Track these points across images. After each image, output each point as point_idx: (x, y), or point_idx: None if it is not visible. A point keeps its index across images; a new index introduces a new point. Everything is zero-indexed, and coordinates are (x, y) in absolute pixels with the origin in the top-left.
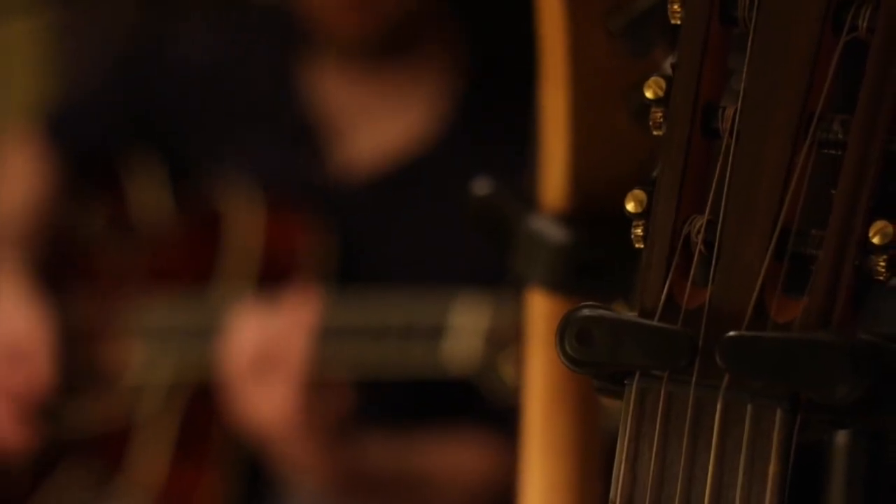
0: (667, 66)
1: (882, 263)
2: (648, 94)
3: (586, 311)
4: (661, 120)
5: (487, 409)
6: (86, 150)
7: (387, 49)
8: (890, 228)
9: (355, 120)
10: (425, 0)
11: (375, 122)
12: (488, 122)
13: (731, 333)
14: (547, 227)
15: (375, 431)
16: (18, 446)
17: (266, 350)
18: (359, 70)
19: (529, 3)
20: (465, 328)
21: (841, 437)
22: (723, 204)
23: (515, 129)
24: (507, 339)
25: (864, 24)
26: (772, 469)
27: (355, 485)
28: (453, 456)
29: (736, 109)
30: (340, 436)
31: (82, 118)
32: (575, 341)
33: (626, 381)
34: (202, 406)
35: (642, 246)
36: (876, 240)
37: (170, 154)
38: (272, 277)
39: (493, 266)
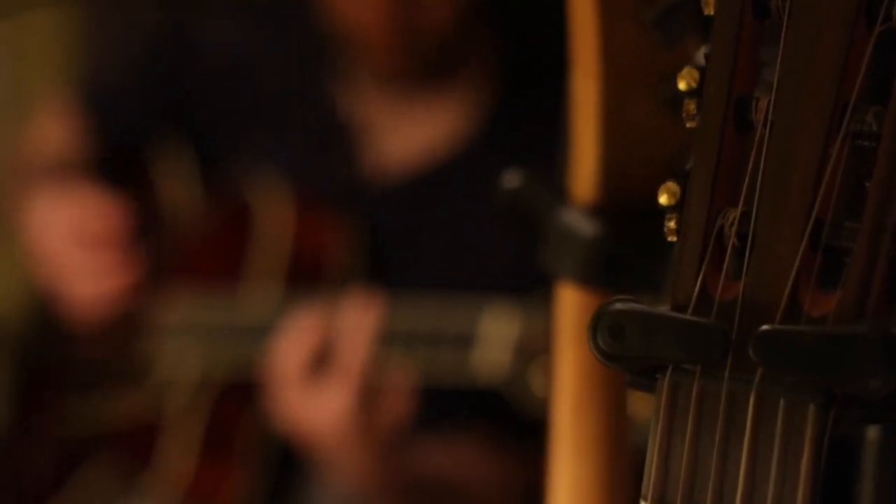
0: (700, 57)
1: None
2: (682, 86)
3: (618, 305)
4: (695, 111)
5: (515, 420)
6: (118, 131)
7: (424, 69)
8: None
9: (386, 122)
10: (463, 21)
11: (406, 125)
12: (519, 128)
13: (765, 327)
14: (578, 220)
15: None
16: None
17: (322, 353)
18: (392, 78)
19: (561, 11)
20: (494, 337)
21: (873, 433)
22: (756, 196)
23: (546, 135)
24: (537, 350)
25: None
26: (804, 464)
27: (397, 491)
28: (479, 466)
29: (769, 101)
30: (395, 444)
31: (116, 96)
32: (607, 335)
33: (658, 376)
34: (230, 403)
35: (675, 239)
36: None
37: (199, 146)
38: (301, 276)
39: (521, 272)
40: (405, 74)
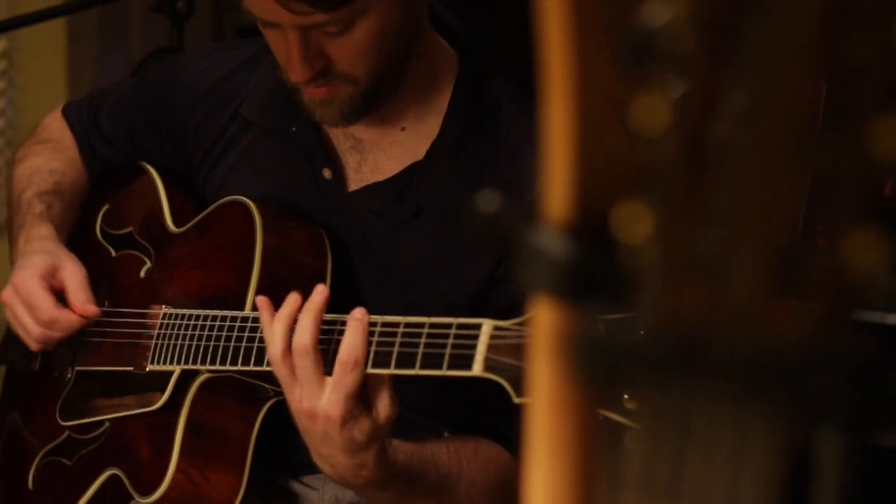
0: (667, 81)
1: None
2: (649, 111)
3: (589, 323)
4: (662, 134)
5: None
6: (111, 150)
7: (367, 109)
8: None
9: (355, 143)
10: (390, 60)
11: (375, 144)
12: (476, 142)
13: (731, 343)
14: (551, 240)
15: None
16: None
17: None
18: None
19: (515, 26)
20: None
21: (832, 448)
22: (722, 214)
23: (504, 149)
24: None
25: None
26: (769, 477)
27: (383, 488)
28: (475, 463)
29: (734, 121)
30: (376, 441)
31: (109, 115)
32: (579, 353)
33: (629, 393)
34: (217, 401)
35: (644, 258)
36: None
37: (177, 163)
38: (274, 288)
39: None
40: (348, 122)
